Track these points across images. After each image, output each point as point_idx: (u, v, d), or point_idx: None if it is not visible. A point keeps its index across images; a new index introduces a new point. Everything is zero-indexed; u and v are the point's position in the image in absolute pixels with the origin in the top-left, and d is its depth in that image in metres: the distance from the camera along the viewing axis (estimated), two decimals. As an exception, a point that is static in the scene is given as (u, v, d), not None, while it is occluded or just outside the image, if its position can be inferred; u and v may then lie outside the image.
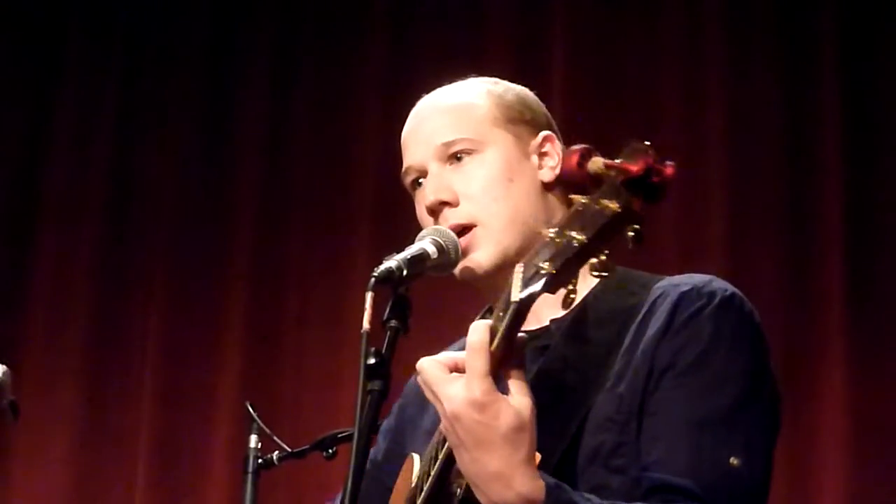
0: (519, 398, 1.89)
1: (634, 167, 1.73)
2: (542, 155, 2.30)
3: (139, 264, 5.23)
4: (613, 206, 1.73)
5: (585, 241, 1.75)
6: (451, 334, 4.78)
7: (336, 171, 5.13)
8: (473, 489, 1.90)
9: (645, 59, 4.83)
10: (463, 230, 2.23)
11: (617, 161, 1.75)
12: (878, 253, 4.50)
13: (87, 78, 5.45)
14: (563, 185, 2.25)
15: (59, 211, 5.34)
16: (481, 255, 2.24)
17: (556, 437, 2.03)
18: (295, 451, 3.45)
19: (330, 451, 3.35)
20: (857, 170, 4.56)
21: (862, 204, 4.54)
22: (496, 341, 1.88)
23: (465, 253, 2.23)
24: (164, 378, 5.07)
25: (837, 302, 4.44)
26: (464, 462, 1.90)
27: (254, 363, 5.01)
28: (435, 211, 2.27)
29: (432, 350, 4.95)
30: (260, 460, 3.47)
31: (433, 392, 1.92)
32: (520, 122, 2.30)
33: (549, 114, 2.36)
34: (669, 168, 1.74)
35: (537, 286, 1.80)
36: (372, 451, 2.48)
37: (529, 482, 1.87)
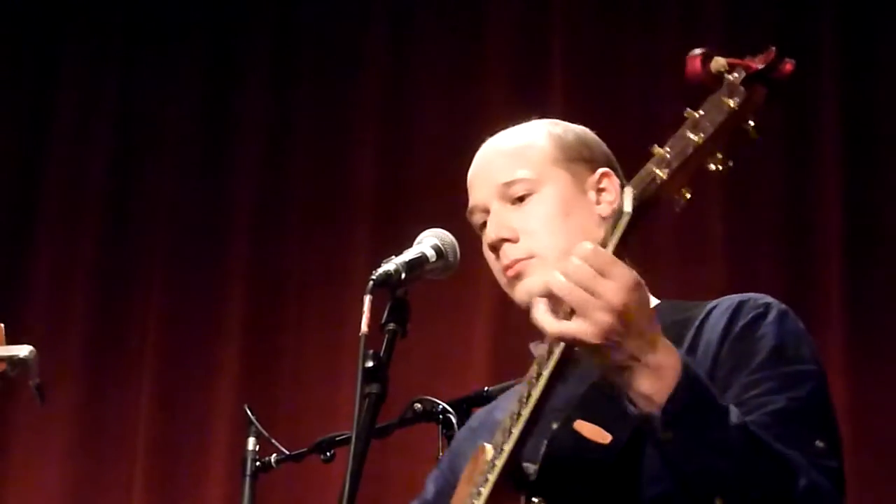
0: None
1: (754, 63, 1.87)
2: (599, 191, 2.34)
3: (138, 265, 5.23)
4: (732, 102, 1.85)
5: (704, 137, 1.87)
6: (450, 337, 4.82)
7: (335, 174, 5.12)
8: (627, 371, 1.89)
9: (644, 61, 4.82)
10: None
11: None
12: (878, 255, 4.50)
13: (86, 78, 5.45)
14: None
15: (59, 211, 5.34)
16: (532, 282, 2.25)
17: (624, 426, 2.04)
18: (293, 453, 3.45)
19: (328, 454, 3.35)
20: (857, 170, 4.56)
21: (862, 204, 4.54)
22: (609, 249, 1.91)
23: (518, 278, 2.27)
24: (163, 380, 5.06)
25: (837, 305, 4.43)
26: (625, 350, 1.88)
27: (252, 366, 5.01)
28: (496, 247, 2.30)
29: (431, 350, 4.95)
30: (258, 463, 3.47)
31: (593, 290, 1.86)
32: (578, 160, 2.35)
33: (608, 151, 2.41)
34: (789, 64, 1.88)
35: (649, 193, 1.90)
36: (419, 498, 2.49)
37: (670, 343, 1.94)
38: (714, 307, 2.19)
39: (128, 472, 5.01)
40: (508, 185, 2.31)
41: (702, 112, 1.88)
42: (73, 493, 5.06)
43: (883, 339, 4.43)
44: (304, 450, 3.42)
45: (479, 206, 2.35)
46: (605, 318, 1.86)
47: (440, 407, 3.12)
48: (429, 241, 2.25)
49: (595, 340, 1.87)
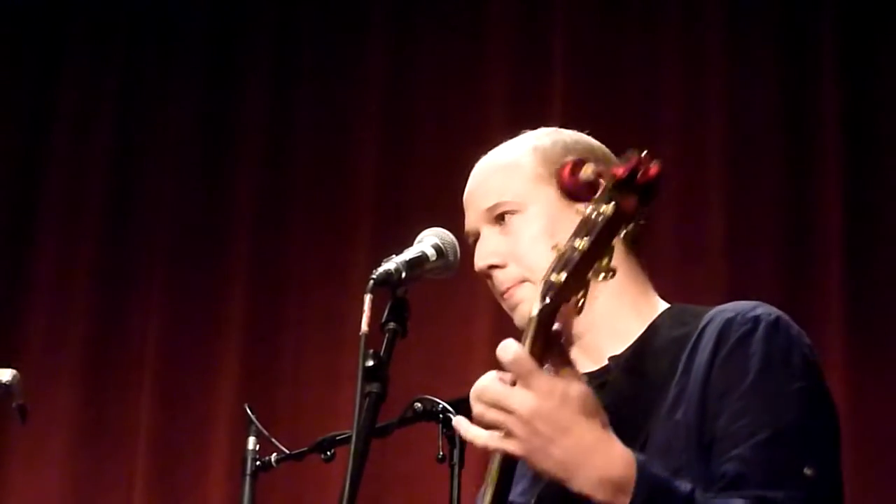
0: (572, 375, 1.92)
1: (619, 170, 1.85)
2: None
3: (139, 265, 5.23)
4: (607, 209, 1.85)
5: (586, 247, 1.86)
6: (450, 336, 4.82)
7: (336, 173, 5.12)
8: (570, 480, 1.88)
9: (644, 63, 4.82)
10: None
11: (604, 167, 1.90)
12: (878, 255, 4.49)
13: (86, 78, 5.45)
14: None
15: (59, 211, 5.34)
16: (527, 308, 2.17)
17: None
18: (293, 453, 3.44)
19: (328, 453, 3.34)
20: (857, 170, 4.56)
21: (862, 204, 4.53)
22: (526, 349, 1.90)
23: (514, 302, 2.25)
24: (163, 379, 5.06)
25: (837, 305, 4.43)
26: (554, 458, 1.87)
27: (252, 365, 5.00)
28: (487, 275, 2.29)
29: (431, 350, 4.96)
30: (258, 462, 3.46)
31: (503, 407, 1.89)
32: None
33: (605, 153, 2.33)
34: (654, 168, 1.85)
35: (548, 299, 1.89)
36: None
37: (621, 446, 1.90)
38: (708, 322, 2.14)
39: (128, 472, 5.01)
40: (492, 209, 2.29)
41: (587, 216, 1.88)
42: (73, 493, 5.06)
43: (883, 339, 4.43)
44: (305, 449, 3.41)
45: (471, 232, 2.34)
46: (519, 431, 1.86)
47: (440, 406, 3.12)
48: (429, 241, 2.25)
49: (519, 452, 1.88)
